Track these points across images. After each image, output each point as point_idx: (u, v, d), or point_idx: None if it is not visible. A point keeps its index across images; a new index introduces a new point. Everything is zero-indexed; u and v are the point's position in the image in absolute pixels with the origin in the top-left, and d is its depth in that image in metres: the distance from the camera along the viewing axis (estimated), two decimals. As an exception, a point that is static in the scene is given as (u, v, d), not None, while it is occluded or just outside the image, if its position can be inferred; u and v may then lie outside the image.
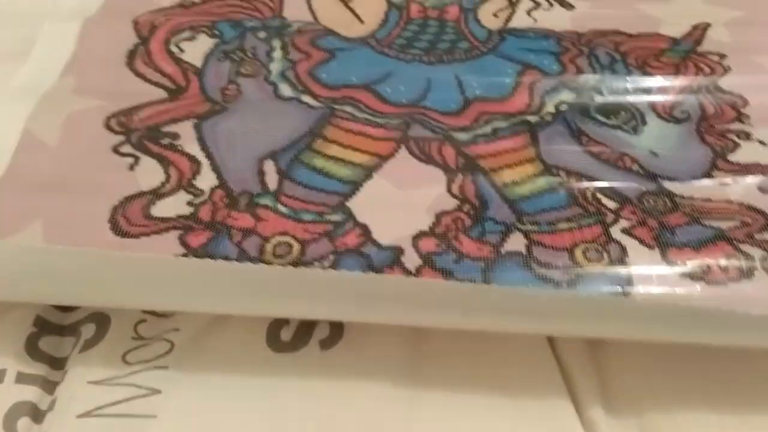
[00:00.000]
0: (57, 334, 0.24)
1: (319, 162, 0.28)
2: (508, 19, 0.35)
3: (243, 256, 0.24)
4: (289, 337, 0.24)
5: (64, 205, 0.26)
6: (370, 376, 0.23)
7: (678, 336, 0.23)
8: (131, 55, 0.32)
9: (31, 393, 0.22)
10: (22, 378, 0.23)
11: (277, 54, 0.32)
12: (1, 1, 0.35)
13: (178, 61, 0.32)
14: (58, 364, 0.24)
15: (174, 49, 0.32)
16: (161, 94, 0.30)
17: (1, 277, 0.23)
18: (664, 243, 0.25)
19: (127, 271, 0.23)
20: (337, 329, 0.25)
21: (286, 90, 0.31)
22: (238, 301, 0.24)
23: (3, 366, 0.23)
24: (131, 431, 0.21)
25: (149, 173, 0.27)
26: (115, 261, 0.23)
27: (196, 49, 0.32)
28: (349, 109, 0.30)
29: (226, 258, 0.24)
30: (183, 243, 0.25)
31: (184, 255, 0.24)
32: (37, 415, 0.22)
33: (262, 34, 0.33)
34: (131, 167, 0.27)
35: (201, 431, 0.22)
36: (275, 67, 0.32)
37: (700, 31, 0.34)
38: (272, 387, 0.23)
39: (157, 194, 0.26)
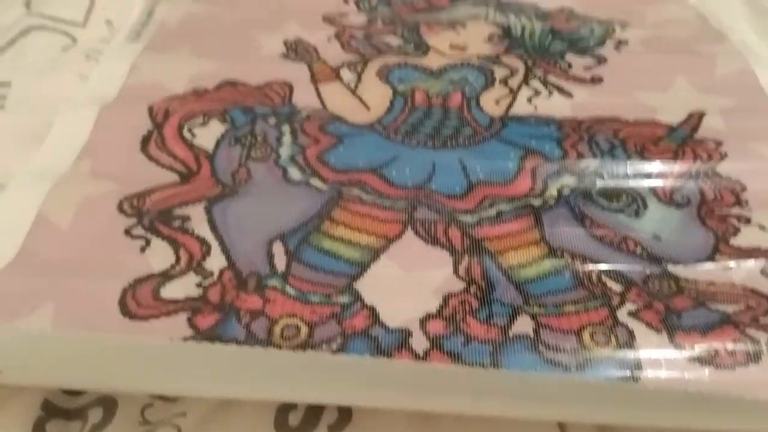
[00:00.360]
0: (64, 418, 0.24)
1: (327, 243, 0.28)
2: (510, 106, 0.36)
3: (251, 338, 0.24)
4: (297, 421, 0.24)
5: (74, 287, 0.26)
6: None
7: (687, 421, 0.23)
8: (145, 141, 0.33)
9: None
10: None
11: (287, 139, 0.33)
12: (22, 87, 0.36)
13: (190, 146, 0.33)
14: None
15: (187, 134, 0.33)
16: (173, 177, 0.31)
17: (9, 362, 0.23)
18: (671, 326, 0.25)
19: (133, 355, 0.24)
20: (345, 413, 0.25)
21: (295, 174, 0.32)
22: (245, 385, 0.24)
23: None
24: None
25: (160, 255, 0.27)
26: (121, 345, 0.23)
27: (208, 134, 0.33)
28: (356, 191, 0.31)
29: (235, 340, 0.24)
30: (192, 325, 0.25)
31: (193, 337, 0.24)
32: None
33: (272, 120, 0.34)
34: (142, 249, 0.28)
35: None
36: (284, 151, 0.33)
37: (696, 118, 0.35)
38: None
39: (167, 276, 0.27)
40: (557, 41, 0.42)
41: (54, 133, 0.33)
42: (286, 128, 0.34)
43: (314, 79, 0.38)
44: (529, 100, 0.37)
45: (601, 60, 0.40)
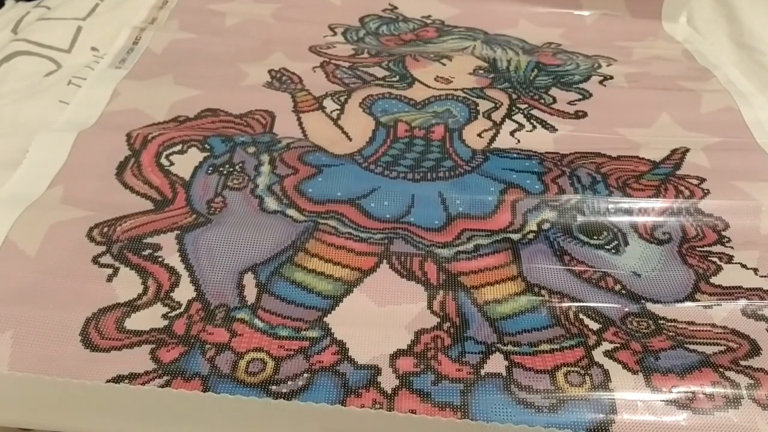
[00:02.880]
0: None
1: (300, 275, 0.28)
2: (492, 139, 0.36)
3: (215, 373, 0.24)
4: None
5: (36, 316, 0.25)
6: None
7: None
8: (121, 167, 0.32)
9: None
10: None
11: (265, 168, 0.33)
12: (2, 112, 0.36)
13: (166, 174, 0.32)
14: None
15: (164, 161, 0.33)
16: (147, 205, 0.31)
17: None
18: (647, 368, 0.24)
19: (80, 397, 0.23)
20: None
21: (271, 203, 0.31)
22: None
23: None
24: None
25: (127, 285, 0.27)
26: (66, 388, 0.23)
27: (185, 162, 0.33)
28: (333, 223, 0.30)
29: (197, 375, 0.24)
30: (154, 358, 0.24)
31: (155, 371, 0.24)
32: None
33: (251, 149, 0.34)
34: (110, 278, 0.27)
35: None
36: (262, 181, 0.32)
37: (679, 155, 0.35)
38: None
39: (133, 306, 0.26)
40: (543, 75, 0.42)
41: (29, 158, 0.33)
42: (265, 157, 0.34)
43: (296, 109, 0.37)
44: (512, 133, 0.37)
45: (585, 95, 0.40)
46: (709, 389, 0.24)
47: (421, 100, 0.39)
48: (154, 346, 0.25)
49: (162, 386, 0.23)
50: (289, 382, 0.23)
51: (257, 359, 0.24)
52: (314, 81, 0.40)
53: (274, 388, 0.23)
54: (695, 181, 0.33)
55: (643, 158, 0.35)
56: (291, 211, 0.31)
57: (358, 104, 0.38)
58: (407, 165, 0.34)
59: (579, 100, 0.39)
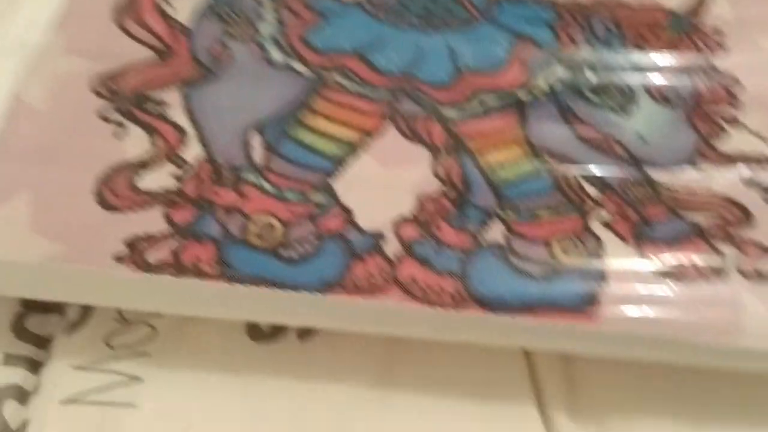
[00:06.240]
0: (43, 312, 0.25)
1: (306, 136, 0.28)
2: (509, -20, 0.34)
3: (227, 236, 0.25)
4: (268, 327, 0.25)
5: (51, 175, 0.26)
6: (342, 372, 0.24)
7: (648, 356, 0.24)
8: (121, 11, 0.31)
9: (17, 375, 0.23)
10: (9, 360, 0.23)
11: (269, 14, 0.32)
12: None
13: (167, 19, 0.31)
14: (43, 343, 0.25)
15: (164, 5, 0.32)
16: (150, 55, 0.30)
17: None
18: (640, 237, 0.25)
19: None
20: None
21: (276, 55, 0.30)
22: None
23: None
24: (111, 419, 0.22)
25: (135, 142, 0.27)
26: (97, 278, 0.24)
27: (185, 6, 0.32)
28: (339, 78, 0.30)
29: (210, 237, 0.25)
30: (168, 219, 0.25)
31: (170, 234, 0.25)
32: (22, 397, 0.23)
33: (253, -9, 0.33)
34: (117, 135, 0.27)
35: (180, 422, 0.23)
36: (266, 29, 0.31)
37: (702, 1, 0.33)
38: (250, 379, 0.23)
39: (142, 165, 0.27)
40: None
41: (27, 3, 0.31)
42: (267, 1, 0.32)
43: (299, -60, 0.35)
44: (530, -27, 0.35)
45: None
46: (697, 259, 0.25)
47: (433, -68, 0.36)
48: (166, 206, 0.25)
49: (176, 249, 0.24)
50: (298, 247, 0.25)
51: (266, 223, 0.25)
52: None
53: (283, 252, 0.24)
54: (714, 35, 0.32)
55: (664, 8, 0.33)
56: (296, 64, 0.30)
57: (365, -64, 0.36)
58: (416, 12, 0.33)
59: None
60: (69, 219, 0.25)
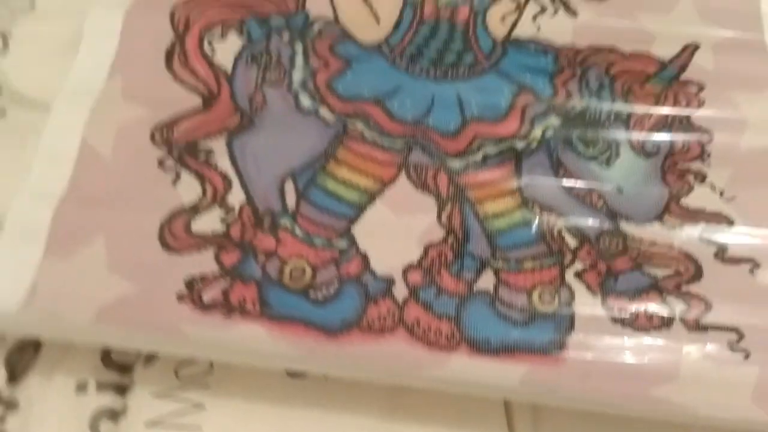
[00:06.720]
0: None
1: (331, 184, 0.33)
2: (514, 24, 0.38)
3: (266, 278, 0.30)
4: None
5: (120, 219, 0.31)
6: (356, 405, 0.30)
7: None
8: (169, 55, 0.36)
9: (108, 399, 0.29)
10: (100, 386, 0.30)
11: (299, 60, 0.36)
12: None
13: (211, 64, 0.36)
14: (126, 370, 0.31)
15: (207, 48, 0.36)
16: (197, 101, 0.35)
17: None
18: (606, 289, 0.30)
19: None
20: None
21: (305, 101, 0.35)
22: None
23: (85, 377, 0.30)
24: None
25: (189, 188, 0.32)
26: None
27: (226, 50, 0.36)
28: (360, 125, 0.34)
29: (253, 279, 0.30)
30: (218, 261, 0.31)
31: (221, 273, 0.30)
32: (114, 417, 0.30)
33: (286, 36, 0.37)
34: (174, 182, 0.32)
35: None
36: (297, 75, 0.36)
37: (688, 54, 0.37)
38: (285, 408, 0.30)
39: (196, 210, 0.32)
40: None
41: (85, 44, 0.36)
42: (298, 47, 0.36)
43: (328, -19, 0.39)
44: (534, 18, 0.38)
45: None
46: (650, 311, 0.30)
47: (449, -34, 0.39)
48: (216, 249, 0.31)
49: (225, 289, 0.30)
50: (324, 290, 0.30)
51: (298, 267, 0.31)
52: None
53: (311, 294, 0.30)
54: (695, 89, 0.36)
55: (653, 56, 0.37)
56: (323, 110, 0.35)
57: (387, -25, 0.39)
58: (430, 58, 0.37)
59: (607, -30, 0.40)
60: (138, 260, 0.30)
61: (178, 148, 0.33)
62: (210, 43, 0.36)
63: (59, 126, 0.33)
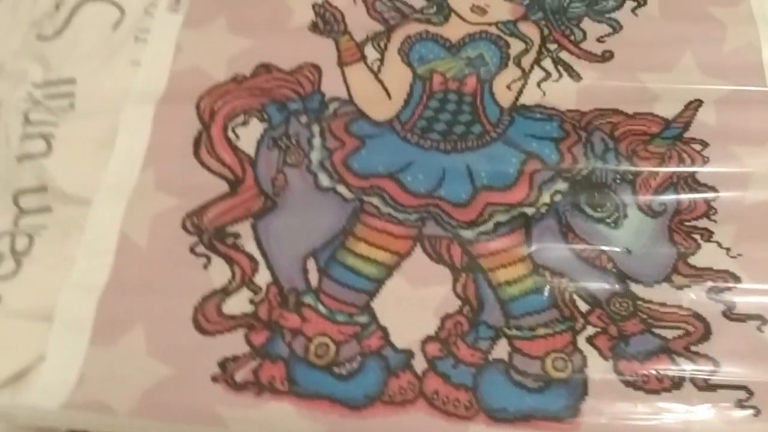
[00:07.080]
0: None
1: (350, 260, 0.35)
2: (520, 92, 0.40)
3: (293, 356, 0.32)
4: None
5: (156, 306, 0.34)
6: None
7: None
8: (197, 144, 0.38)
9: None
10: None
11: (317, 142, 0.38)
12: (86, 84, 0.40)
13: (235, 150, 0.38)
14: None
15: (231, 135, 0.39)
16: (223, 187, 0.37)
17: None
18: (617, 354, 0.32)
19: None
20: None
21: (324, 180, 0.37)
22: None
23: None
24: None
25: (219, 271, 0.35)
26: None
27: (249, 136, 0.38)
28: (375, 201, 0.36)
29: (280, 357, 0.32)
30: (248, 341, 0.33)
31: (250, 354, 0.32)
32: None
33: (303, 119, 0.39)
34: (205, 267, 0.35)
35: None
36: (315, 156, 0.38)
37: (691, 111, 0.38)
38: None
39: (226, 292, 0.34)
40: (577, 3, 0.43)
41: (120, 139, 0.39)
42: (315, 129, 0.39)
43: (341, 61, 0.41)
44: (539, 84, 0.40)
45: (615, 28, 0.42)
46: (661, 372, 0.31)
47: (456, 41, 0.42)
48: (246, 329, 0.33)
49: (255, 369, 0.32)
50: (347, 365, 0.32)
51: (322, 344, 0.33)
52: (355, 17, 0.43)
53: (336, 369, 0.32)
54: (698, 147, 0.37)
55: (657, 116, 0.38)
56: (341, 188, 0.37)
57: (396, 51, 0.41)
58: (440, 131, 0.39)
59: (609, 34, 0.41)
60: (174, 344, 0.33)
61: (208, 233, 0.36)
62: (233, 130, 0.39)
63: (99, 220, 0.36)
